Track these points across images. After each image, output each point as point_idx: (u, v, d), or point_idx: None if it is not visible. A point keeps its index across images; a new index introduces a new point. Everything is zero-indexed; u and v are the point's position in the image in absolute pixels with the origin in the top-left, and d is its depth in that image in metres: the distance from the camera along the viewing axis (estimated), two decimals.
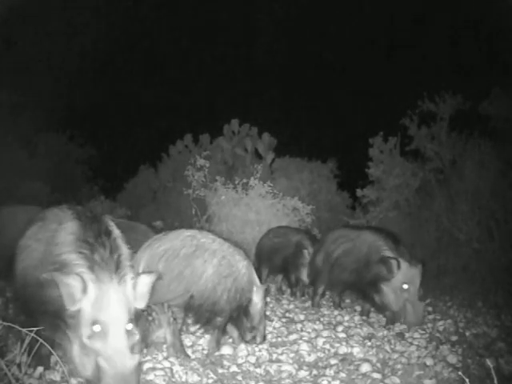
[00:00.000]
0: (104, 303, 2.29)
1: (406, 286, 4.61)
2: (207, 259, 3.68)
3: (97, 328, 2.27)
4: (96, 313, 2.28)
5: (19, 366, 2.59)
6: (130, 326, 2.34)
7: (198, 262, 3.66)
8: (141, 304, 2.47)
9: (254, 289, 3.86)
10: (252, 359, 3.63)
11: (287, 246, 6.43)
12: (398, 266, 4.60)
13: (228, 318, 3.83)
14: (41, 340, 2.53)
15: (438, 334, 4.49)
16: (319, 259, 5.60)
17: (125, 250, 2.59)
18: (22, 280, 2.75)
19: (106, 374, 2.25)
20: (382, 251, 4.83)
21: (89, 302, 2.30)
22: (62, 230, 2.59)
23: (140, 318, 3.41)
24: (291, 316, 5.16)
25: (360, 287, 5.11)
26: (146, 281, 2.48)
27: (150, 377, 3.10)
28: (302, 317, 5.08)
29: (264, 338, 3.99)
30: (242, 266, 3.81)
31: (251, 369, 3.46)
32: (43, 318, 2.62)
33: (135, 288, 2.43)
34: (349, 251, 5.23)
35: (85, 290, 2.29)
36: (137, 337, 2.35)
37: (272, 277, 7.01)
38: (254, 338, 3.92)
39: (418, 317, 4.65)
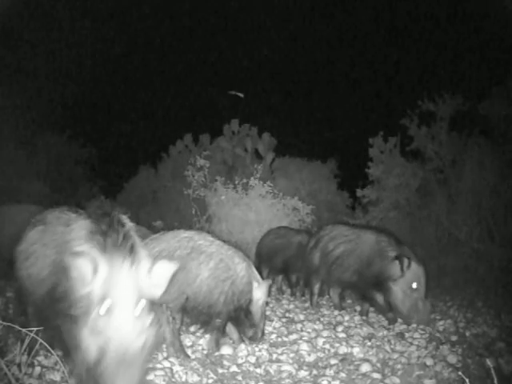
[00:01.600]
0: (114, 282, 2.23)
1: (415, 285, 4.63)
2: (203, 262, 3.64)
3: (105, 306, 2.20)
4: (105, 291, 2.22)
5: (19, 366, 2.59)
6: (142, 308, 2.27)
7: (193, 264, 3.62)
8: (157, 292, 2.39)
9: (255, 285, 3.84)
10: (252, 359, 3.62)
11: (288, 247, 6.42)
12: (409, 265, 4.62)
13: (227, 319, 3.82)
14: (40, 340, 2.52)
15: (438, 334, 4.49)
16: (315, 257, 5.56)
17: (138, 240, 2.52)
18: (34, 288, 2.70)
19: (107, 354, 2.15)
20: (387, 252, 4.84)
21: (99, 282, 2.24)
22: (73, 230, 2.55)
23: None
24: (291, 316, 5.16)
25: (361, 287, 5.12)
26: (162, 269, 2.41)
27: (150, 377, 3.10)
28: (301, 317, 5.08)
29: (262, 334, 3.98)
30: (241, 269, 3.77)
31: (251, 369, 3.46)
32: (57, 317, 2.60)
33: (150, 274, 2.36)
34: (350, 252, 5.22)
35: (96, 270, 2.24)
36: (148, 322, 2.28)
37: (272, 277, 7.01)
38: (254, 334, 3.91)
39: (427, 315, 4.70)
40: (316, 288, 5.66)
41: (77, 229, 2.54)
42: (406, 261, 4.62)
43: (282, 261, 6.47)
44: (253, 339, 3.89)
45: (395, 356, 3.76)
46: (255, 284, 3.83)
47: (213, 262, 3.66)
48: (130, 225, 2.58)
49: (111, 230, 2.43)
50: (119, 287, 2.22)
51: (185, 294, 3.59)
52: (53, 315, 2.55)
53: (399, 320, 4.92)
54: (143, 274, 2.34)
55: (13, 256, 2.91)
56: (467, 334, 4.45)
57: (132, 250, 2.36)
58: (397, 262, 4.68)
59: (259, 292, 3.84)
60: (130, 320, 2.20)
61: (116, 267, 2.26)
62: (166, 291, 3.51)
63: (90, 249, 2.37)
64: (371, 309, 5.46)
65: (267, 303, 5.37)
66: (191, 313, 3.71)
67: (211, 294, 3.63)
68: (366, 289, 5.03)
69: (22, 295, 2.90)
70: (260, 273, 6.57)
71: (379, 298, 4.89)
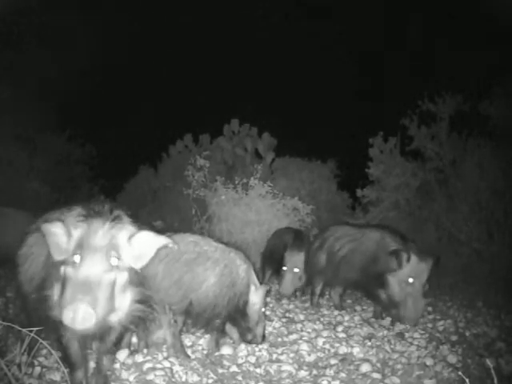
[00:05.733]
0: (88, 237, 2.22)
1: (411, 280, 4.61)
2: (209, 268, 3.68)
3: (77, 258, 2.19)
4: (78, 246, 2.22)
5: (19, 366, 2.59)
6: (116, 262, 2.25)
7: (199, 269, 3.65)
8: (137, 264, 2.36)
9: (253, 289, 3.86)
10: (252, 359, 3.63)
11: (279, 248, 6.48)
12: (408, 259, 4.61)
13: (227, 319, 3.83)
14: (41, 340, 2.52)
15: (438, 334, 4.49)
16: (321, 258, 5.57)
17: (129, 222, 2.46)
18: (30, 288, 2.70)
19: (69, 281, 2.14)
20: (391, 247, 4.83)
21: (74, 242, 2.24)
22: (69, 217, 2.54)
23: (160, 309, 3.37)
24: (291, 316, 5.16)
25: (366, 285, 5.10)
26: (145, 240, 2.36)
27: (150, 377, 3.10)
28: (302, 317, 5.08)
29: (263, 338, 3.99)
30: (242, 271, 3.81)
31: (251, 369, 3.46)
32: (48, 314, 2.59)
33: (131, 243, 2.32)
34: (355, 250, 5.21)
35: (69, 233, 2.24)
36: (123, 275, 2.27)
37: (275, 277, 7.04)
38: (252, 338, 3.93)
39: (416, 313, 4.64)
40: (318, 289, 5.69)
41: (68, 218, 2.54)
42: (404, 255, 4.61)
43: (276, 261, 6.52)
44: (252, 343, 3.91)
45: (395, 356, 3.77)
46: (252, 288, 3.85)
47: (218, 269, 3.70)
48: (125, 216, 2.56)
49: (97, 205, 2.42)
50: (91, 240, 2.22)
51: (189, 299, 3.62)
52: (44, 312, 2.55)
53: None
54: (122, 239, 2.31)
55: (15, 261, 2.92)
56: (467, 334, 4.46)
57: (115, 218, 2.33)
58: (393, 257, 4.68)
59: (256, 296, 3.86)
60: (101, 260, 2.19)
61: (92, 227, 2.25)
62: (171, 294, 3.56)
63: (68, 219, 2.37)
64: (371, 309, 5.46)
65: (267, 303, 5.39)
66: (195, 318, 3.74)
67: (216, 300, 3.66)
68: (369, 285, 5.00)
69: (21, 298, 2.90)
70: (264, 273, 6.67)
71: (382, 294, 4.87)
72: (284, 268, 5.97)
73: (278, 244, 6.61)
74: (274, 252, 6.61)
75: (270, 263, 6.70)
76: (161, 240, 2.40)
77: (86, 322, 2.08)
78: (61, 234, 2.25)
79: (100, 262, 2.19)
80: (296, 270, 5.90)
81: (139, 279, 2.44)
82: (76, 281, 2.14)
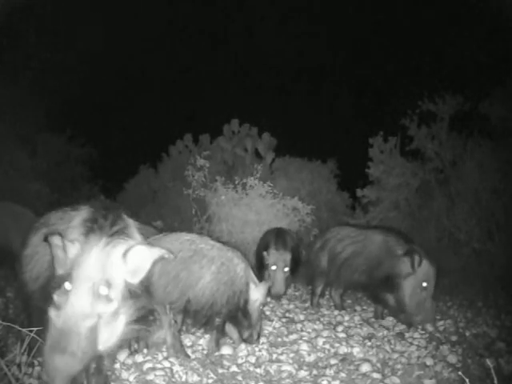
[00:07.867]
0: (80, 261, 2.17)
1: (425, 284, 4.62)
2: (205, 266, 3.70)
3: (68, 285, 2.14)
4: (69, 272, 2.17)
5: (19, 366, 2.59)
6: (105, 291, 2.17)
7: (195, 267, 3.68)
8: (133, 279, 2.28)
9: (253, 287, 3.88)
10: (252, 359, 3.63)
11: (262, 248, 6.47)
12: (420, 263, 4.59)
13: (226, 318, 3.85)
14: (41, 340, 2.52)
15: (437, 334, 4.49)
16: (323, 259, 5.57)
17: (132, 229, 2.43)
18: (34, 287, 2.71)
19: (52, 327, 2.10)
20: (396, 250, 4.81)
21: (69, 262, 2.20)
22: (71, 221, 2.52)
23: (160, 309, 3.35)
24: (291, 316, 5.16)
25: (372, 289, 5.08)
26: (140, 253, 2.27)
27: (150, 377, 3.11)
28: (302, 317, 5.08)
29: (259, 337, 4.01)
30: (240, 269, 3.83)
31: (251, 369, 3.46)
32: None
33: (125, 259, 2.24)
34: (358, 252, 5.19)
35: (66, 249, 2.20)
36: (112, 306, 2.18)
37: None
38: (249, 336, 3.95)
39: (432, 315, 4.69)
40: (319, 289, 5.69)
41: (74, 219, 2.52)
42: (416, 258, 4.57)
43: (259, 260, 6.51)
44: (248, 341, 3.93)
45: (395, 356, 3.77)
46: (252, 286, 3.88)
47: (214, 266, 3.72)
48: (130, 222, 2.54)
49: (102, 216, 2.38)
50: (83, 264, 2.16)
51: (187, 295, 3.63)
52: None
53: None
54: (116, 256, 2.24)
55: (18, 261, 2.92)
56: (467, 334, 4.46)
57: (114, 234, 2.29)
58: (406, 258, 4.64)
59: (257, 293, 3.89)
60: (86, 296, 2.12)
61: (87, 246, 2.20)
62: (169, 292, 3.56)
63: (72, 232, 2.34)
64: (371, 309, 5.46)
65: (267, 303, 5.39)
66: (194, 316, 3.76)
67: (214, 297, 3.68)
68: (377, 290, 4.98)
69: (24, 298, 2.90)
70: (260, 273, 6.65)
71: (391, 299, 4.84)
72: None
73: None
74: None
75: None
76: (156, 252, 2.31)
77: (67, 372, 2.05)
78: (59, 247, 2.22)
79: (87, 297, 2.12)
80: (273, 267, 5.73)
81: (140, 291, 2.37)
82: (58, 326, 2.09)
